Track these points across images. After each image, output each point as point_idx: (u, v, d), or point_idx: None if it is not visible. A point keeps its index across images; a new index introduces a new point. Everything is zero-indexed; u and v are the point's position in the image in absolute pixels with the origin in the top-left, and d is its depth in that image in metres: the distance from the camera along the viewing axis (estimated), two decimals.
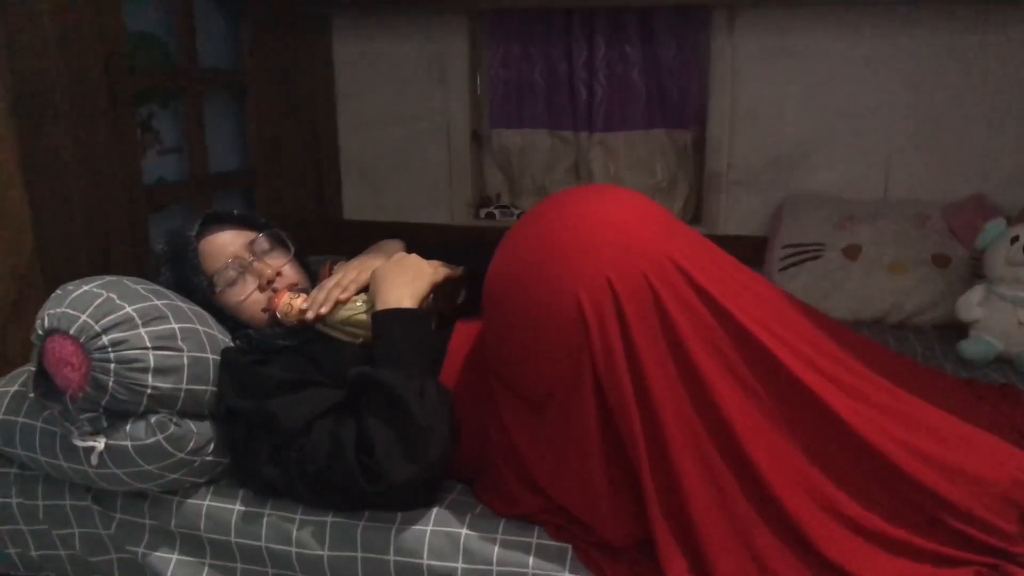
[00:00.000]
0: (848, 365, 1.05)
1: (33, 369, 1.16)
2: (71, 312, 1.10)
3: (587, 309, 0.97)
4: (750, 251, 2.09)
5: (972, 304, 1.70)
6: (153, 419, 1.12)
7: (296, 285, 1.32)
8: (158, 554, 1.19)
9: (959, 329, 1.75)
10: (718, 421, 0.97)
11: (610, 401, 0.99)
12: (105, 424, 1.12)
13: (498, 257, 1.09)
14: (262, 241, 1.33)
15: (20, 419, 1.22)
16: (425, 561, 1.07)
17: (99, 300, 1.12)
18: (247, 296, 1.29)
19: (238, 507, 1.16)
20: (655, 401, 0.97)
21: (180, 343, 1.15)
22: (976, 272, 1.84)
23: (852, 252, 1.95)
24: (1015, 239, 1.64)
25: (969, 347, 1.65)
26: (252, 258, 1.31)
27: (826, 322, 1.15)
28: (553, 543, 1.06)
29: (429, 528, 1.09)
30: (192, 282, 1.28)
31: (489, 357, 1.14)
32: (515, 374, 1.08)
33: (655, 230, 1.03)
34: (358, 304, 1.24)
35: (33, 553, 1.28)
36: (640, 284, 0.97)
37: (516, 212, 2.45)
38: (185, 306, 1.22)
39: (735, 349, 0.99)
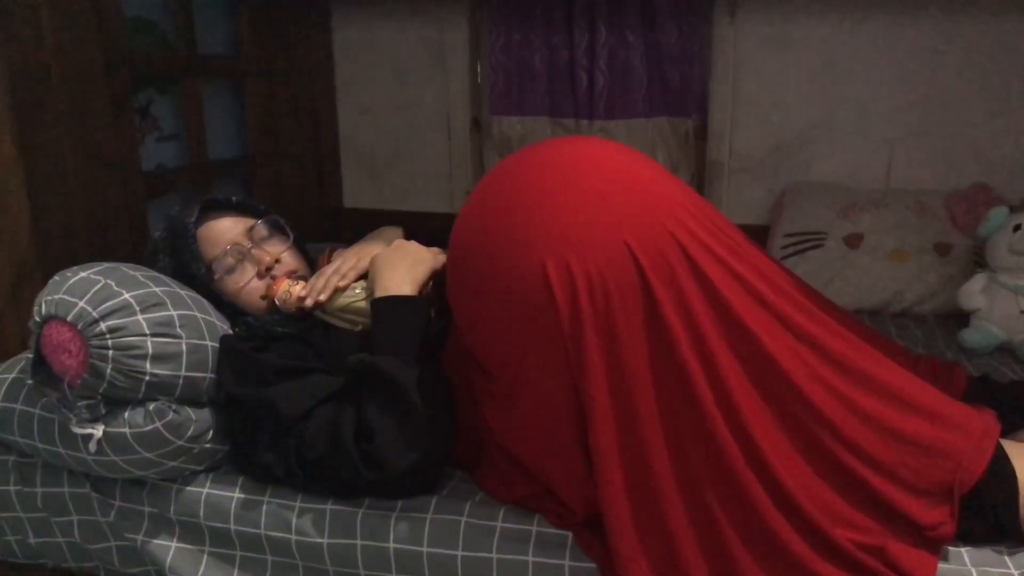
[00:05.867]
0: (808, 310, 0.99)
1: (31, 356, 1.15)
2: (68, 298, 1.10)
3: (553, 280, 0.90)
4: (752, 239, 2.08)
5: (974, 293, 1.69)
6: (151, 406, 1.12)
7: (295, 272, 1.31)
8: (157, 542, 1.19)
9: (961, 318, 1.74)
10: (699, 414, 0.92)
11: (576, 379, 0.94)
12: (103, 411, 1.11)
13: (463, 215, 1.03)
14: (261, 228, 1.33)
15: (18, 406, 1.21)
16: (425, 549, 1.07)
17: (97, 286, 1.11)
18: (246, 283, 1.29)
19: (237, 495, 1.16)
20: (630, 387, 0.92)
21: (179, 330, 1.14)
22: (978, 261, 1.83)
23: (854, 240, 1.94)
24: (1017, 227, 1.63)
25: (971, 336, 1.65)
26: (251, 245, 1.30)
27: (812, 291, 1.11)
28: (553, 531, 1.06)
29: (429, 516, 1.09)
30: (190, 269, 1.28)
31: (457, 326, 1.09)
32: (479, 346, 1.05)
33: (643, 186, 0.95)
34: (357, 291, 1.24)
35: (31, 540, 1.28)
36: (621, 253, 0.91)
37: None
38: (184, 293, 1.21)
39: (728, 343, 0.92)
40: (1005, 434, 1.05)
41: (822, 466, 0.94)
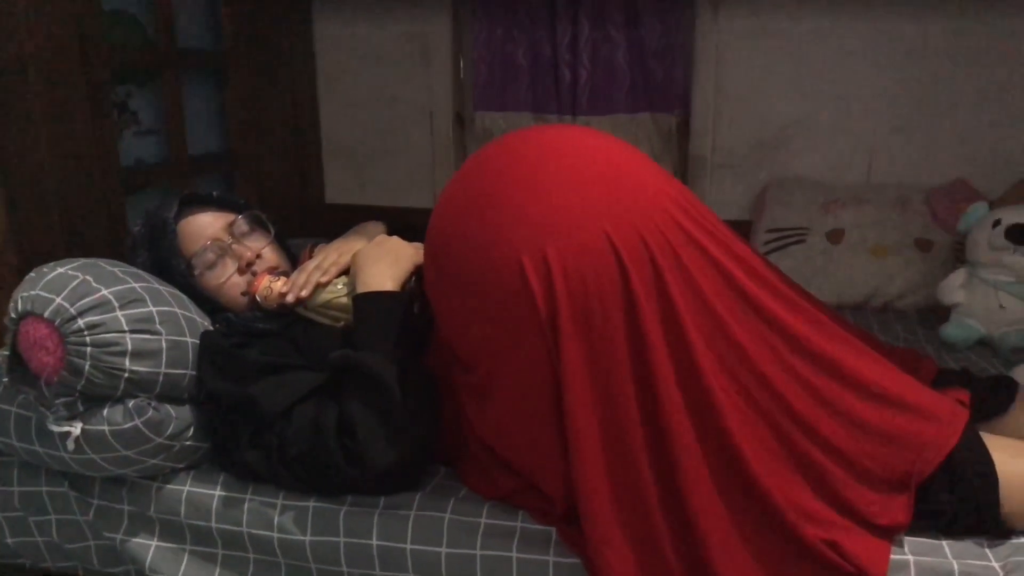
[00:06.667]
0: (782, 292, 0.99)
1: (7, 353, 1.14)
2: (45, 295, 1.08)
3: (529, 270, 0.89)
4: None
5: (954, 288, 1.70)
6: (131, 403, 1.11)
7: (276, 268, 1.30)
8: (137, 540, 1.17)
9: (941, 313, 1.76)
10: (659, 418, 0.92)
11: (555, 368, 0.93)
12: (81, 409, 1.10)
13: (440, 204, 1.01)
14: (241, 223, 1.31)
15: None
16: (409, 546, 1.07)
17: (75, 282, 1.10)
18: (226, 279, 1.27)
19: (219, 492, 1.15)
20: (608, 376, 0.91)
21: (158, 326, 1.13)
22: (958, 256, 1.85)
23: (835, 236, 1.95)
24: (997, 223, 1.64)
25: (951, 331, 1.66)
26: (231, 240, 1.29)
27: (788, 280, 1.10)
28: (537, 527, 1.05)
29: (412, 513, 1.08)
30: (170, 264, 1.26)
31: (437, 318, 1.08)
32: (457, 338, 1.04)
33: (623, 172, 0.94)
34: (339, 287, 1.23)
35: (9, 540, 1.26)
36: (600, 242, 0.89)
37: None
38: (163, 289, 1.20)
39: (702, 332, 0.92)
40: (982, 421, 1.06)
41: (786, 455, 0.95)
